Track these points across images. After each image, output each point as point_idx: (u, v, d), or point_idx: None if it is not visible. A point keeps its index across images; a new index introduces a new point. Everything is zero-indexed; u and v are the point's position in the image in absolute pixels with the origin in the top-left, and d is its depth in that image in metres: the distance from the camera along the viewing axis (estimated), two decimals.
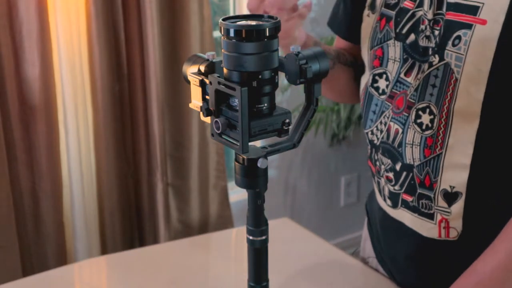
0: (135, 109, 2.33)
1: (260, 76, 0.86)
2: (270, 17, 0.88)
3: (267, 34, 0.85)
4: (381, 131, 1.22)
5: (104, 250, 2.36)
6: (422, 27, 1.14)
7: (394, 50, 1.19)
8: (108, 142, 2.25)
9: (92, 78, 2.19)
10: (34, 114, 2.09)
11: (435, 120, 1.11)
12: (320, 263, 1.48)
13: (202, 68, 0.90)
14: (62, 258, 2.25)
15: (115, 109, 2.26)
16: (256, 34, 0.85)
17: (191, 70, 0.92)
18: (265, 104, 0.88)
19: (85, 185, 2.28)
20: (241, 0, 2.65)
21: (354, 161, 3.13)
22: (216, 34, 2.68)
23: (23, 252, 2.16)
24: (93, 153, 2.28)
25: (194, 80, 0.91)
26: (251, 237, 0.94)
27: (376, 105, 1.23)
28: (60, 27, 2.11)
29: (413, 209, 1.18)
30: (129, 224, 2.42)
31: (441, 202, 1.14)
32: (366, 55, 1.27)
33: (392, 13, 1.19)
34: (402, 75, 1.17)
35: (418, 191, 1.16)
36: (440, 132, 1.11)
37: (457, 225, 1.14)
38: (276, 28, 0.86)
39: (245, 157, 0.90)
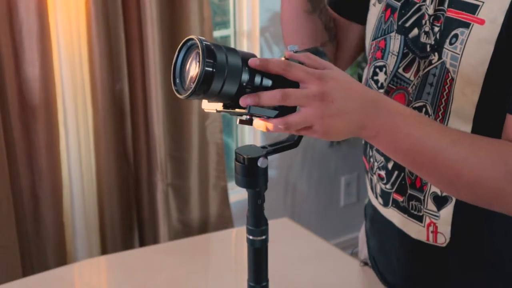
0: (135, 109, 2.32)
1: None
2: None
3: None
4: None
5: (104, 250, 2.36)
6: (423, 22, 1.10)
7: (394, 43, 1.15)
8: (108, 142, 2.25)
9: (92, 78, 2.19)
10: (34, 114, 2.09)
11: None
12: (320, 263, 1.48)
13: None
14: (62, 258, 2.25)
15: (115, 109, 2.25)
16: None
17: None
18: None
19: (85, 185, 2.27)
20: (241, 0, 2.65)
21: (354, 161, 3.13)
22: (216, 34, 2.68)
23: (23, 252, 2.16)
24: (93, 153, 2.27)
25: None
26: (251, 237, 0.94)
27: None
28: (60, 27, 2.11)
29: (403, 210, 1.17)
30: (129, 224, 2.42)
31: (431, 205, 1.12)
32: (368, 45, 1.23)
33: (398, 4, 1.15)
34: (400, 70, 1.13)
35: (409, 191, 1.15)
36: None
37: (445, 231, 1.12)
38: None
39: (245, 156, 0.90)
